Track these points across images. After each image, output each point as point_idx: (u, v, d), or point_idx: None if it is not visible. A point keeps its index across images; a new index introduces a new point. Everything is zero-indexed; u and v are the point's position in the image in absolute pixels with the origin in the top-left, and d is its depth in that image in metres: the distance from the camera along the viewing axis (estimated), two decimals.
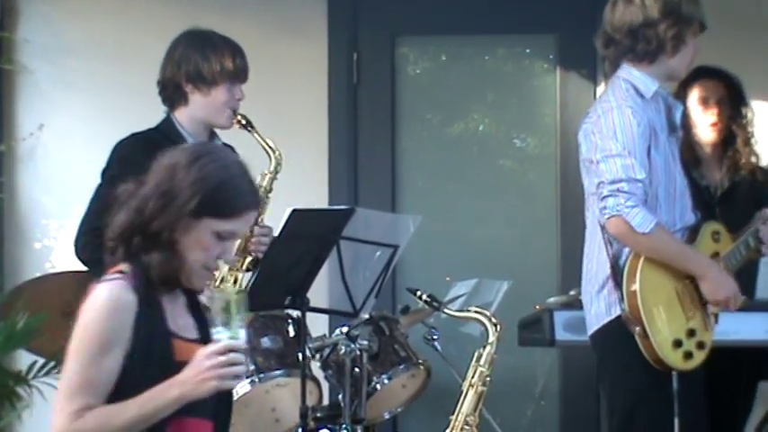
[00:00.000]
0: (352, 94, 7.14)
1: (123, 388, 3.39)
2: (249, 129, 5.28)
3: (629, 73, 4.98)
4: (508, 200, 7.24)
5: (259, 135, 5.28)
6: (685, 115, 5.55)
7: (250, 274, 5.30)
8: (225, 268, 5.18)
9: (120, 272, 3.46)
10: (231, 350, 3.36)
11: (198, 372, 3.37)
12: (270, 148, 5.31)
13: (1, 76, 7.01)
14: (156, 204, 3.45)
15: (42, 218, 7.01)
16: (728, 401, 5.94)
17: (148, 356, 3.42)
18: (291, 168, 6.70)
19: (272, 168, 5.33)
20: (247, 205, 3.55)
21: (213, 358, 3.36)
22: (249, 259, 5.28)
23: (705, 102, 5.77)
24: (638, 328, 4.77)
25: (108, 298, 3.43)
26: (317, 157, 7.04)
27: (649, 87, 4.95)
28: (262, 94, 6.79)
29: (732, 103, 5.89)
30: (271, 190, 5.34)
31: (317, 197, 6.80)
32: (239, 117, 5.27)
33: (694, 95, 5.78)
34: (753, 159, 5.87)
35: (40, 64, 7.05)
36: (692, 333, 4.85)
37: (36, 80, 7.05)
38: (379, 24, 7.18)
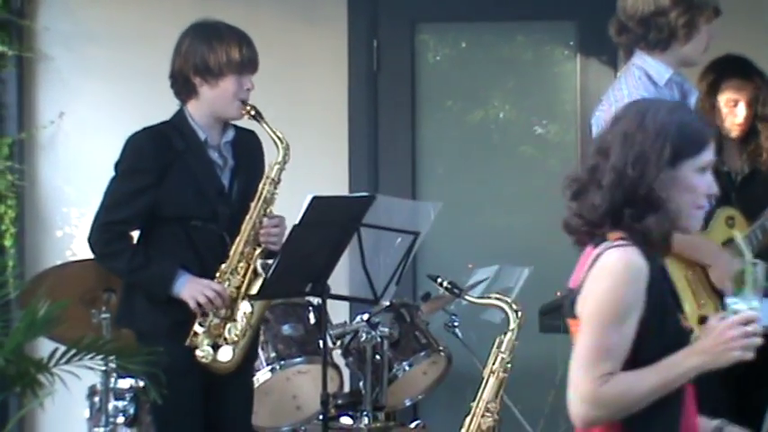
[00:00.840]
0: (373, 82, 7.15)
1: (639, 355, 3.39)
2: (258, 119, 5.24)
3: (644, 60, 5.03)
4: (529, 187, 7.22)
5: (268, 125, 5.26)
6: (714, 107, 5.62)
7: (270, 260, 5.30)
8: (235, 260, 5.20)
9: (622, 239, 3.45)
10: (751, 321, 3.34)
11: (720, 342, 3.36)
12: (278, 138, 5.29)
13: (21, 64, 7.00)
14: (634, 172, 3.45)
15: (63, 206, 7.04)
16: (750, 391, 5.93)
17: (662, 323, 3.43)
18: (312, 156, 6.76)
19: (279, 159, 5.30)
20: (707, 132, 3.59)
21: (737, 328, 3.34)
22: (259, 251, 5.25)
23: (734, 104, 5.74)
24: None
25: (625, 264, 3.40)
26: (338, 144, 7.04)
27: (662, 75, 5.00)
28: (282, 82, 6.86)
29: (760, 102, 5.88)
30: (279, 180, 5.30)
31: (337, 185, 6.79)
32: (248, 107, 5.23)
33: (724, 96, 5.75)
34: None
35: (60, 51, 7.06)
36: (703, 320, 4.87)
37: (56, 68, 7.06)
38: (398, 11, 7.19)
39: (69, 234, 7.01)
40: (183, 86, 5.23)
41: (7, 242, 6.86)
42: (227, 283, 5.16)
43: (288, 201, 5.31)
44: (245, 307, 5.20)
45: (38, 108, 7.07)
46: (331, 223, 5.41)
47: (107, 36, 6.97)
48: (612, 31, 5.19)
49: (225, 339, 5.16)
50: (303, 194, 5.30)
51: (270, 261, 5.23)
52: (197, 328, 5.10)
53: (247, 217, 5.23)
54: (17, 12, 6.95)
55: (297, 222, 5.24)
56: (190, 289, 5.08)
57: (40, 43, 7.06)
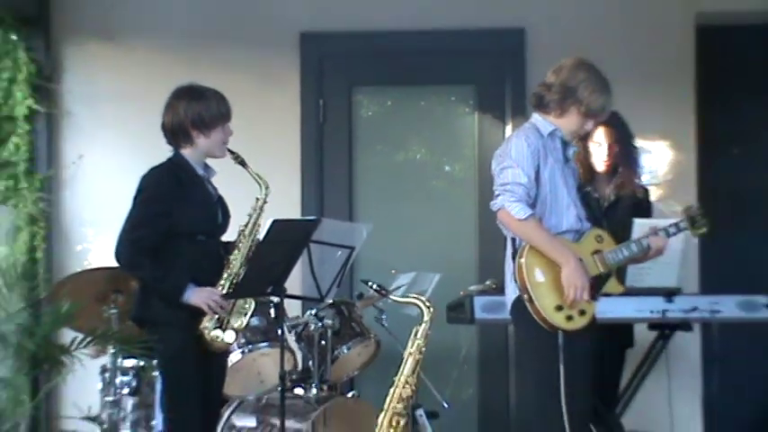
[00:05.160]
0: (320, 131, 7.12)
1: None
2: (244, 165, 5.25)
3: (535, 118, 5.08)
4: (439, 212, 7.21)
5: (251, 170, 5.25)
6: (585, 146, 5.71)
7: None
8: (233, 270, 5.21)
9: None
10: None
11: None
12: (260, 178, 5.28)
13: (50, 118, 6.96)
14: None
15: (81, 227, 6.99)
16: (607, 362, 5.98)
17: None
18: (272, 188, 6.72)
19: (263, 195, 5.29)
20: None
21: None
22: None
23: (599, 144, 5.82)
24: (525, 296, 4.88)
25: None
26: (292, 179, 7.02)
27: (545, 129, 5.02)
28: (249, 131, 6.75)
29: (620, 143, 5.94)
30: (263, 211, 5.28)
31: (292, 209, 6.80)
32: (236, 155, 5.24)
33: (594, 136, 5.80)
34: (636, 181, 5.90)
35: (79, 108, 7.04)
36: (559, 308, 4.89)
37: (76, 121, 7.03)
38: (339, 78, 7.16)
39: (86, 248, 6.96)
40: (181, 137, 5.20)
41: (38, 254, 6.83)
42: (226, 289, 5.14)
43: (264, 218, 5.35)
44: (244, 305, 5.23)
45: (62, 152, 7.02)
46: (287, 240, 5.40)
47: (116, 95, 6.95)
48: (531, 99, 5.19)
49: (229, 326, 5.16)
50: (265, 218, 5.33)
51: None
52: (206, 320, 5.09)
53: (242, 238, 5.25)
54: (47, 78, 6.92)
55: (260, 239, 5.27)
56: (199, 296, 5.06)
57: (64, 102, 7.02)
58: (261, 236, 5.25)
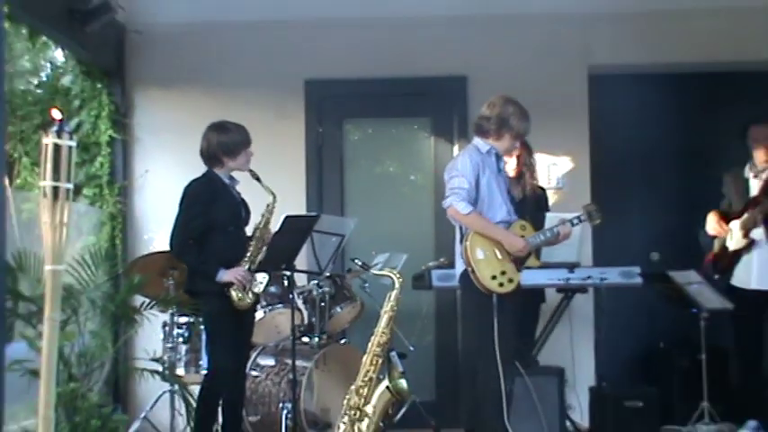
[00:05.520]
0: (319, 152, 7.11)
1: None
2: (259, 181, 5.31)
3: (476, 140, 5.16)
4: (406, 209, 7.19)
5: (264, 184, 5.32)
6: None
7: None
8: (253, 253, 5.26)
9: None
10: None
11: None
12: (271, 191, 5.35)
13: (125, 144, 6.98)
14: None
15: (147, 222, 7.00)
16: (526, 315, 6.04)
17: None
18: (285, 192, 6.76)
19: (272, 202, 5.36)
20: None
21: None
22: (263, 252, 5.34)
23: (510, 155, 5.87)
24: (469, 268, 4.92)
25: None
26: (299, 186, 7.01)
27: (483, 148, 5.09)
28: (267, 152, 6.79)
29: (525, 156, 5.99)
30: (273, 212, 5.36)
31: (299, 208, 6.77)
32: (252, 173, 5.29)
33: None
34: (535, 183, 5.95)
35: (146, 136, 7.05)
36: (503, 273, 4.97)
37: (144, 145, 7.05)
38: (333, 112, 7.15)
39: (151, 237, 6.96)
40: (214, 160, 5.26)
41: (117, 242, 6.85)
42: (248, 266, 5.21)
43: (274, 217, 5.40)
44: (261, 277, 5.27)
45: (134, 168, 7.03)
46: (296, 230, 5.48)
47: (171, 127, 6.95)
48: (473, 127, 5.26)
49: (250, 291, 5.21)
50: (280, 214, 5.39)
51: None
52: (234, 288, 5.14)
53: (257, 234, 5.28)
54: (123, 114, 6.95)
55: (277, 230, 5.32)
56: (230, 274, 5.13)
57: (135, 132, 7.03)
58: (275, 229, 5.33)
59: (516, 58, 6.87)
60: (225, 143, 5.22)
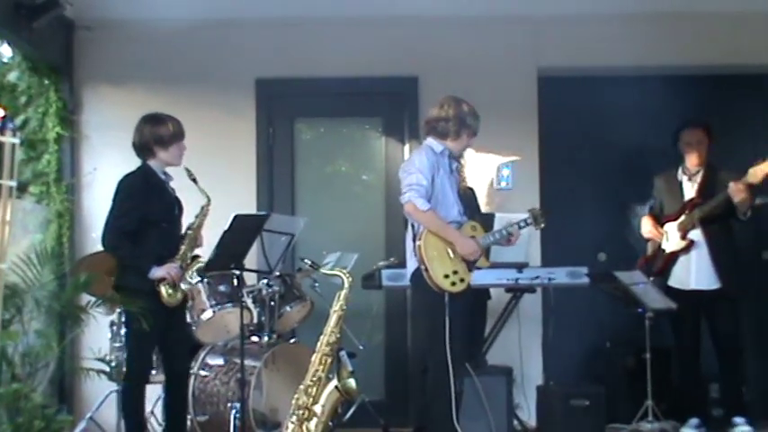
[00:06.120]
0: (270, 150, 7.08)
1: None
2: (195, 182, 5.27)
3: (430, 141, 5.18)
4: (357, 208, 7.18)
5: (199, 185, 5.27)
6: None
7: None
8: (184, 253, 5.22)
9: None
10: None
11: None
12: (206, 193, 5.30)
13: (72, 141, 6.90)
14: None
15: (95, 221, 6.80)
16: (475, 315, 6.07)
17: None
18: (236, 191, 6.76)
19: (206, 204, 5.31)
20: None
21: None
22: (195, 250, 5.32)
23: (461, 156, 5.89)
24: (423, 267, 4.93)
25: None
26: (250, 184, 6.97)
27: (437, 148, 5.12)
28: (218, 151, 6.87)
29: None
30: (207, 214, 5.31)
31: (249, 207, 6.75)
32: (189, 173, 5.23)
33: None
34: (464, 184, 5.97)
35: (94, 133, 6.97)
36: (455, 272, 5.00)
37: (92, 143, 6.97)
38: (284, 111, 7.13)
39: (99, 236, 6.65)
40: (146, 151, 5.21)
41: (64, 240, 6.76)
42: (179, 263, 5.18)
43: (223, 216, 5.35)
44: (191, 275, 5.24)
45: (82, 165, 6.95)
46: (246, 229, 5.45)
47: (120, 124, 6.73)
48: (422, 126, 5.28)
49: (180, 289, 5.18)
50: (230, 212, 5.36)
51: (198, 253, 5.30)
52: (163, 285, 5.10)
53: (190, 233, 5.24)
54: (70, 111, 6.87)
55: (226, 229, 5.29)
56: (162, 270, 5.09)
57: (83, 129, 6.95)
58: (210, 228, 5.31)
59: (467, 60, 6.89)
60: (158, 134, 5.20)
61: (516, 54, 6.93)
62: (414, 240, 5.06)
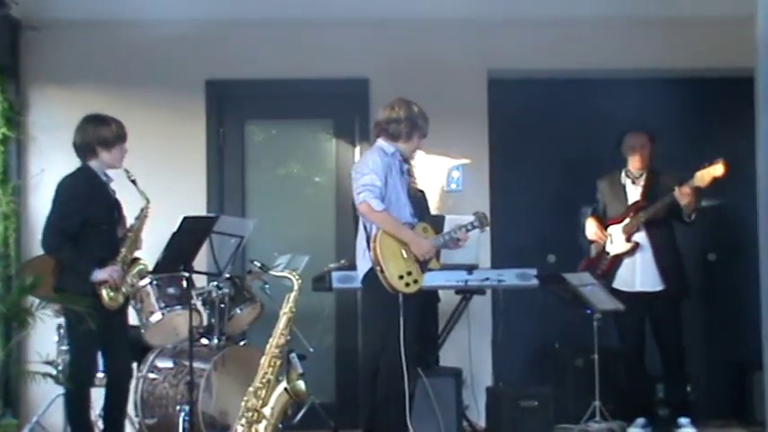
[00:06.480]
0: (221, 152, 7.05)
1: None
2: (134, 183, 5.22)
3: (380, 143, 5.20)
4: (308, 210, 7.17)
5: (138, 186, 5.22)
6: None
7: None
8: (125, 255, 5.18)
9: None
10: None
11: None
12: (145, 195, 5.25)
13: (19, 142, 6.82)
14: None
15: (42, 222, 6.67)
16: (427, 316, 6.09)
17: None
18: (186, 193, 6.71)
19: (145, 206, 5.27)
20: None
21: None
22: (135, 253, 5.28)
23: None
24: (378, 268, 4.95)
25: None
26: (200, 186, 6.92)
27: (389, 150, 5.13)
28: (168, 152, 6.82)
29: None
30: (147, 216, 5.27)
31: (199, 209, 6.70)
32: (129, 174, 5.19)
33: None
34: (415, 186, 5.96)
35: (41, 135, 6.87)
36: (409, 273, 5.03)
37: (39, 144, 6.87)
38: (235, 113, 7.10)
39: None
40: (89, 152, 5.16)
41: (11, 242, 6.69)
42: (120, 265, 5.14)
43: (173, 218, 5.32)
44: (131, 278, 5.20)
45: (29, 167, 6.85)
46: (195, 231, 5.43)
47: (67, 125, 6.62)
48: (373, 127, 5.31)
49: (121, 291, 5.13)
50: (180, 214, 5.33)
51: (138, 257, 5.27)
52: (104, 288, 5.05)
53: (130, 235, 5.20)
54: (17, 112, 6.78)
55: (175, 231, 5.25)
56: (104, 272, 5.05)
57: (30, 130, 6.86)
58: (155, 230, 5.28)
59: (418, 62, 6.92)
60: (102, 135, 5.16)
61: (466, 57, 6.96)
62: (367, 241, 5.06)
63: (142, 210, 5.27)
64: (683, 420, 6.22)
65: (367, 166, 5.09)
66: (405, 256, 5.05)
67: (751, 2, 1.99)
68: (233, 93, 7.02)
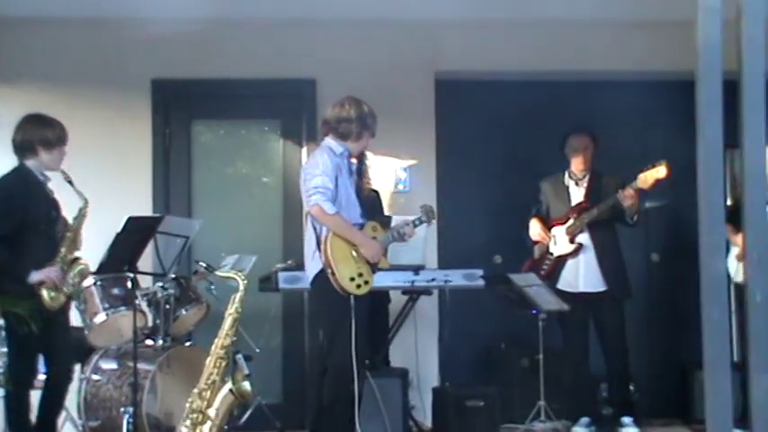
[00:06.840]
0: (167, 152, 6.99)
1: None
2: (70, 183, 5.15)
3: (329, 142, 5.15)
4: (255, 211, 7.15)
5: (75, 187, 5.15)
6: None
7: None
8: (64, 254, 5.11)
9: None
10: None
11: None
12: (83, 195, 5.19)
13: None
14: None
15: None
16: (378, 315, 6.10)
17: None
18: (130, 195, 6.65)
19: (83, 206, 5.21)
20: None
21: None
22: (74, 253, 5.21)
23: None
24: (329, 270, 4.93)
25: None
26: (146, 186, 6.87)
27: (338, 149, 5.11)
28: (113, 152, 6.74)
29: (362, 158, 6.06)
30: (85, 216, 5.20)
31: (145, 209, 6.63)
32: (65, 175, 5.12)
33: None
34: (368, 185, 5.98)
35: None
36: (360, 275, 5.03)
37: None
38: (182, 112, 7.06)
39: None
40: (28, 151, 5.10)
41: None
42: (59, 265, 5.08)
43: (117, 218, 5.27)
44: (72, 278, 5.15)
45: None
46: (139, 231, 5.39)
47: (12, 123, 6.52)
48: (320, 126, 5.28)
49: (62, 291, 5.07)
50: (125, 215, 5.28)
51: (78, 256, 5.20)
52: (45, 288, 4.99)
53: (69, 235, 5.14)
54: None
55: (119, 231, 5.20)
56: (41, 274, 4.99)
57: None
58: (119, 228, 5.22)
59: (365, 62, 6.93)
60: (45, 136, 5.10)
61: (414, 57, 6.99)
62: (317, 243, 5.05)
63: (80, 209, 5.21)
64: (627, 419, 6.30)
65: (318, 168, 5.06)
66: (355, 256, 5.05)
67: (692, 6, 2.01)
68: (179, 92, 6.97)
